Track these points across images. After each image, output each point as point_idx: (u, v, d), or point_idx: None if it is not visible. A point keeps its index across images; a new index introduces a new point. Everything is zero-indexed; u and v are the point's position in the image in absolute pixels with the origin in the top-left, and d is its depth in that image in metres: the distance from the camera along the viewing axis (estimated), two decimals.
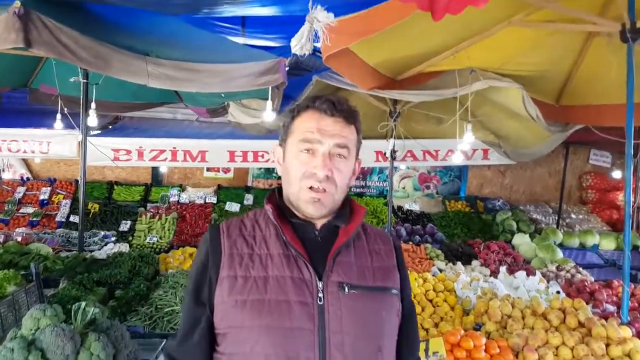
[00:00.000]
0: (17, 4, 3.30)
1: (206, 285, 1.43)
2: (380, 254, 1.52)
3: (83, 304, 2.63)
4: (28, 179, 8.45)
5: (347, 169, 1.47)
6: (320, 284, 1.38)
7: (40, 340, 2.34)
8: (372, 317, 1.40)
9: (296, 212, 1.48)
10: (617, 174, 8.48)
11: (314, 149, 1.42)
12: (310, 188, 1.42)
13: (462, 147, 5.39)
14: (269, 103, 4.46)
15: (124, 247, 5.97)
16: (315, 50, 4.03)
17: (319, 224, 1.48)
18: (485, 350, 3.49)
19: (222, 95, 5.47)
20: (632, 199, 3.64)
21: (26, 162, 8.69)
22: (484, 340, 3.54)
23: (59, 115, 6.25)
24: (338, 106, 1.45)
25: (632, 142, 3.60)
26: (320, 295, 1.37)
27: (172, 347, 1.49)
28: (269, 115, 4.53)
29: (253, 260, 1.41)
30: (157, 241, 6.81)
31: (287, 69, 4.37)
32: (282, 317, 1.34)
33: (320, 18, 2.49)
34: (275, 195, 1.55)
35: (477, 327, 4.07)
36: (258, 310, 1.34)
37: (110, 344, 2.51)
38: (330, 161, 1.42)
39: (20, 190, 7.99)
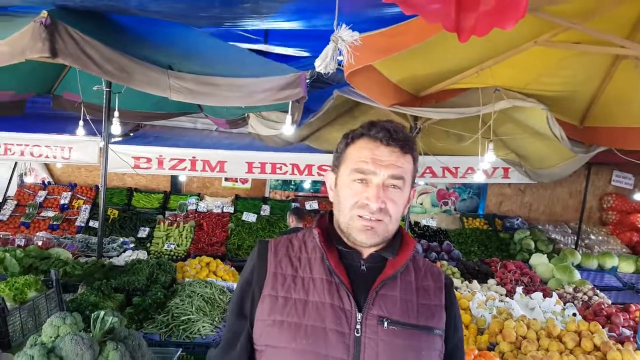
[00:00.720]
0: (44, 13, 3.37)
1: (249, 301, 1.44)
2: (428, 292, 1.47)
3: (102, 313, 2.66)
4: (49, 183, 8.59)
5: (401, 199, 1.42)
6: (359, 316, 1.36)
7: (60, 348, 2.37)
8: (410, 356, 1.36)
9: (344, 239, 1.45)
10: (639, 196, 8.34)
11: (368, 179, 1.38)
12: (361, 217, 1.38)
13: (483, 166, 5.35)
14: (289, 117, 4.49)
15: (142, 255, 6.03)
16: (338, 64, 4.06)
17: (365, 253, 1.45)
18: None
19: (242, 107, 5.52)
20: None
21: (48, 167, 8.83)
22: None
23: (81, 122, 6.36)
24: (394, 135, 1.39)
25: None
26: (358, 327, 1.35)
27: (213, 357, 1.50)
28: (288, 129, 4.56)
29: (295, 282, 1.41)
30: (175, 248, 6.87)
31: (308, 81, 4.39)
32: (317, 344, 1.33)
33: (345, 37, 2.49)
34: (326, 219, 1.52)
35: (491, 346, 4.03)
36: (294, 333, 1.34)
37: (127, 353, 2.53)
38: (384, 192, 1.38)
39: (42, 194, 8.12)
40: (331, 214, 1.53)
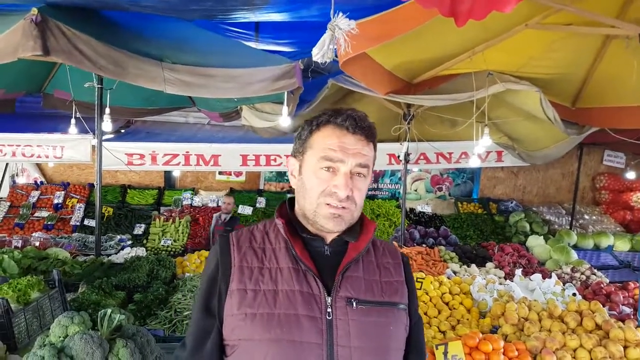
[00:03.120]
0: (34, 11, 3.32)
1: (215, 297, 1.43)
2: (389, 269, 1.51)
3: (109, 310, 2.66)
4: (42, 183, 8.53)
5: (365, 186, 1.46)
6: (329, 299, 1.38)
7: (69, 347, 2.37)
8: (379, 332, 1.40)
9: (307, 227, 1.47)
10: (630, 175, 8.44)
11: (336, 167, 1.39)
12: (328, 205, 1.40)
13: (478, 150, 5.38)
14: (285, 108, 4.47)
15: (141, 251, 6.01)
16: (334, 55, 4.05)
17: (329, 238, 1.47)
18: (504, 353, 3.48)
19: (235, 99, 5.49)
20: None
21: (39, 167, 8.76)
22: (502, 343, 3.54)
23: (73, 120, 6.31)
24: (360, 123, 1.41)
25: None
26: (329, 310, 1.37)
27: (183, 358, 1.46)
28: (285, 120, 4.54)
29: (263, 274, 1.41)
30: (172, 244, 6.86)
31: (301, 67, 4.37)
32: (292, 331, 1.34)
33: (341, 26, 2.48)
34: (286, 208, 1.53)
35: (494, 329, 4.07)
36: (268, 324, 1.35)
37: (137, 350, 2.54)
38: (351, 180, 1.40)
39: (35, 194, 8.07)
40: (291, 201, 1.54)
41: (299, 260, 1.41)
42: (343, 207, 1.39)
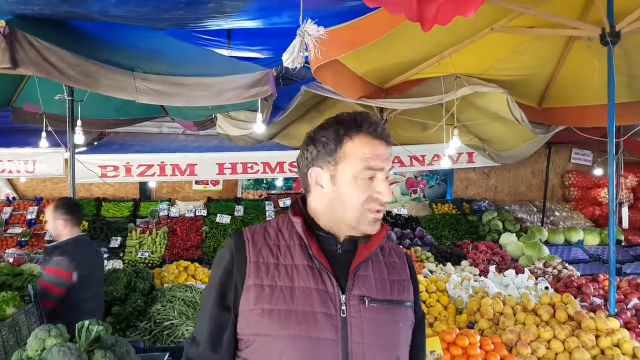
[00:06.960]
0: (2, 23, 3.28)
1: (232, 291, 1.45)
2: (396, 268, 1.57)
3: (87, 322, 2.64)
4: (14, 198, 8.35)
5: None
6: (343, 297, 1.43)
7: None
8: (390, 329, 1.46)
9: (321, 226, 1.51)
10: (598, 172, 8.69)
11: (375, 175, 1.45)
12: (370, 210, 1.46)
13: (449, 151, 5.49)
14: (259, 115, 4.50)
15: (117, 264, 5.94)
16: (304, 60, 4.10)
17: (341, 237, 1.51)
18: (480, 347, 3.57)
19: (209, 107, 5.49)
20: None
21: (11, 182, 8.58)
22: (478, 337, 3.63)
23: (44, 134, 6.21)
24: (384, 130, 1.49)
25: (614, 140, 3.73)
26: (343, 307, 1.42)
27: (199, 355, 1.48)
28: (259, 127, 4.58)
29: (279, 270, 1.44)
30: (149, 256, 6.77)
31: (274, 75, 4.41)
32: (309, 328, 1.38)
33: (310, 32, 2.54)
34: (300, 206, 1.56)
35: (471, 325, 4.16)
36: (286, 320, 1.38)
37: None
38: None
39: (7, 210, 7.89)
40: (303, 201, 1.58)
41: (314, 258, 1.45)
42: (381, 211, 1.47)
